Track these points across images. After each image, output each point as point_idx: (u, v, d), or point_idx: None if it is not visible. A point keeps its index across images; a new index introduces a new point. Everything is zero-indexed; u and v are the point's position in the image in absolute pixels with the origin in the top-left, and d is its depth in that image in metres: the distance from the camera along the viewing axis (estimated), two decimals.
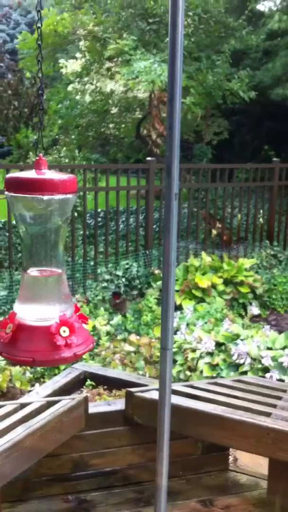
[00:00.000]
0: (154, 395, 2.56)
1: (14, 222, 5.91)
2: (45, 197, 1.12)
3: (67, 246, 6.10)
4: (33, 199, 1.13)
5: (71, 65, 11.82)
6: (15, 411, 2.38)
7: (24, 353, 1.13)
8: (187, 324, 4.53)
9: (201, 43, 9.40)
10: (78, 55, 11.63)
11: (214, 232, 7.41)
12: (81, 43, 11.00)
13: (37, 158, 1.19)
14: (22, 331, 1.16)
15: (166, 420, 1.45)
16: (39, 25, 1.22)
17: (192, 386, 2.70)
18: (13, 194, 1.15)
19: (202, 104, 9.86)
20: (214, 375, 3.83)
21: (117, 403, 2.73)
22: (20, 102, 8.07)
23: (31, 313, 1.20)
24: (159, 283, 5.91)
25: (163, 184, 6.74)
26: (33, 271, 1.23)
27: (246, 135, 14.48)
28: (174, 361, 3.99)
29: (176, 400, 2.36)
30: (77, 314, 1.23)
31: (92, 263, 6.25)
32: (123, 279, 5.97)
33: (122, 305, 5.42)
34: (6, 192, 1.17)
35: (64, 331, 1.14)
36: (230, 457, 2.91)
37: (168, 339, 1.37)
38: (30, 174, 1.18)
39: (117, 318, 5.00)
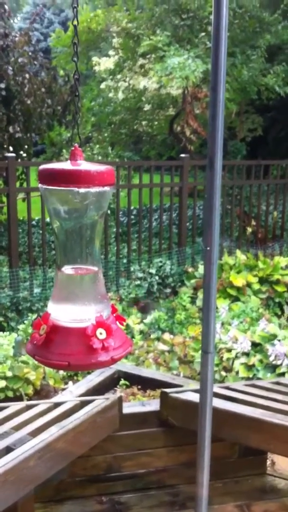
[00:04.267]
0: (190, 396, 2.50)
1: (48, 219, 5.91)
2: (81, 190, 1.05)
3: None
4: (68, 192, 1.06)
5: (104, 63, 11.81)
6: (48, 410, 2.35)
7: (58, 357, 1.07)
8: (222, 324, 4.44)
9: (236, 38, 9.26)
10: (111, 52, 11.60)
11: (249, 229, 7.28)
12: (114, 40, 10.97)
13: (73, 148, 1.12)
14: (57, 333, 1.10)
15: (207, 427, 1.37)
16: (75, 23, 1.15)
17: (228, 388, 2.63)
18: (47, 187, 1.08)
19: (237, 100, 9.73)
20: (250, 376, 3.73)
21: (152, 404, 2.68)
22: (53, 100, 8.09)
23: (65, 313, 1.13)
24: (193, 281, 5.83)
25: (196, 181, 6.67)
26: (67, 269, 1.16)
27: (281, 132, 14.25)
28: None
29: (212, 402, 2.29)
30: (114, 315, 1.16)
31: (125, 260, 6.20)
32: (156, 277, 5.92)
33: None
34: (39, 185, 1.09)
35: (100, 333, 1.07)
36: (267, 460, 2.83)
37: (209, 342, 1.29)
38: (65, 165, 1.10)
39: (151, 317, 4.93)
